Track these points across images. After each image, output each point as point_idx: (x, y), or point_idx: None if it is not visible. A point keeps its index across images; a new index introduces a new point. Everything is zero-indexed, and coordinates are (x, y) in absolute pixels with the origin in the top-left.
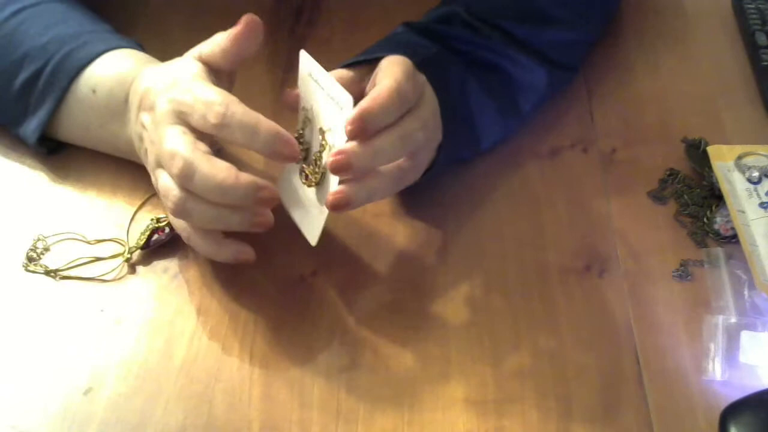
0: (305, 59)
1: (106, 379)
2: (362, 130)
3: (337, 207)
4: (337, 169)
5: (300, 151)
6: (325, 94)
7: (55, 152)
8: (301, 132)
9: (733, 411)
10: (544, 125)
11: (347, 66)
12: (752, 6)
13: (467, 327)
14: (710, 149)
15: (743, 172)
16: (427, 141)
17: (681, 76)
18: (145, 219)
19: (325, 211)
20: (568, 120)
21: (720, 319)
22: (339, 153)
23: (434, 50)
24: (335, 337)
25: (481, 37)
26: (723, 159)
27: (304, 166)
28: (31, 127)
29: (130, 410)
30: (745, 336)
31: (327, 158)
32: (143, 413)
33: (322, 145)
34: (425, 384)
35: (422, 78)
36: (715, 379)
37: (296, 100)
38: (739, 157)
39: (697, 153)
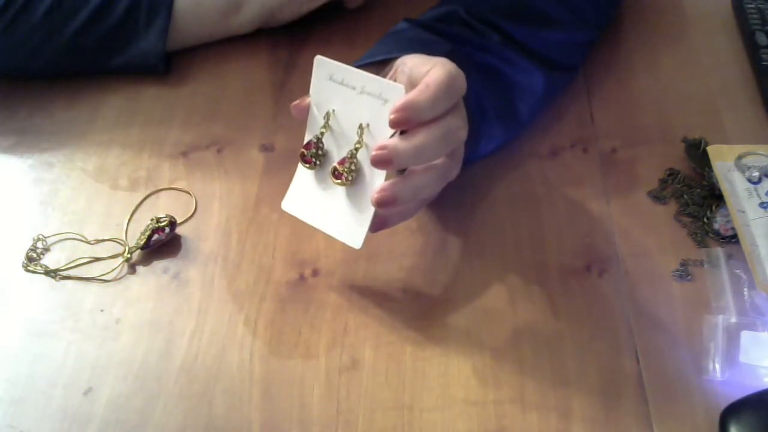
0: (323, 63)
1: (106, 379)
2: (406, 119)
3: (382, 204)
4: (378, 162)
5: (320, 152)
6: (357, 92)
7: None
8: (319, 136)
9: (733, 411)
10: (544, 125)
11: (361, 66)
12: (752, 6)
13: (467, 327)
14: (710, 149)
15: (743, 172)
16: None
17: (681, 76)
18: (145, 219)
19: (369, 210)
20: (568, 120)
21: (720, 319)
22: (381, 147)
23: (449, 48)
24: (335, 337)
25: (479, 37)
26: (723, 159)
27: (336, 165)
28: (151, 40)
29: (130, 410)
30: (745, 336)
31: (363, 155)
32: (143, 413)
33: (358, 142)
34: (425, 384)
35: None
36: (715, 379)
37: (307, 109)
38: (739, 157)
39: (697, 153)
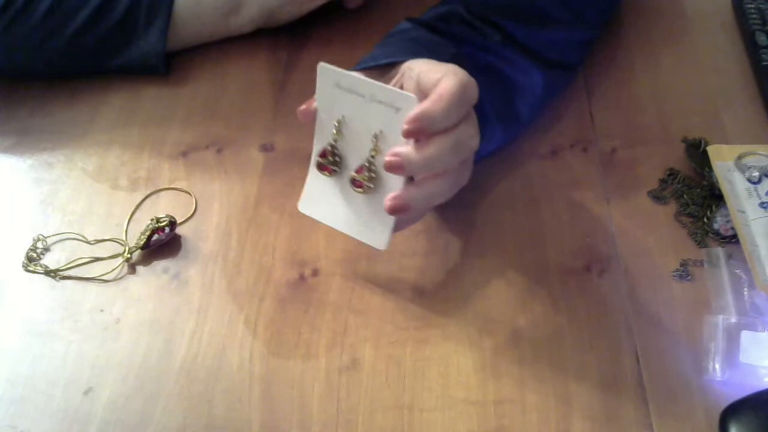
0: (328, 71)
1: (106, 379)
2: (419, 130)
3: (396, 211)
4: (390, 168)
5: (337, 159)
6: (367, 100)
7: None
8: (333, 144)
9: (733, 411)
10: (544, 125)
11: (364, 69)
12: (752, 6)
13: (467, 327)
14: (710, 149)
15: (743, 172)
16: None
17: (681, 76)
18: (145, 219)
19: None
20: (568, 120)
21: (720, 319)
22: (394, 154)
23: (453, 50)
24: (335, 337)
25: (480, 36)
26: (723, 159)
27: (354, 175)
28: (151, 40)
29: (130, 410)
30: (745, 336)
31: (380, 161)
32: (143, 413)
33: (374, 149)
34: (425, 384)
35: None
36: (715, 379)
37: (314, 114)
38: (739, 157)
39: (697, 153)
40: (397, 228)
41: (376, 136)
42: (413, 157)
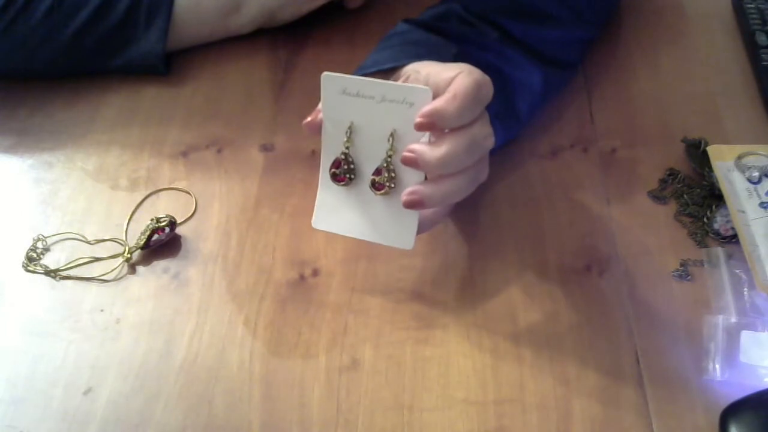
0: (332, 79)
1: (106, 379)
2: (431, 125)
3: (412, 205)
4: (406, 162)
5: (351, 167)
6: (377, 101)
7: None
8: (346, 152)
9: (733, 411)
10: (544, 125)
11: (367, 75)
12: (752, 6)
13: (467, 327)
14: (710, 149)
15: (743, 172)
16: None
17: (681, 76)
18: (145, 219)
19: (412, 212)
20: (568, 120)
21: (720, 319)
22: (409, 150)
23: (455, 50)
24: (335, 337)
25: (479, 34)
26: (723, 159)
27: (374, 178)
28: (151, 40)
29: (130, 410)
30: (745, 336)
31: (397, 160)
32: (143, 413)
33: (390, 149)
34: (425, 384)
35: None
36: (715, 379)
37: (320, 126)
38: (739, 157)
39: (697, 153)
40: (420, 229)
41: (392, 136)
42: (427, 156)
